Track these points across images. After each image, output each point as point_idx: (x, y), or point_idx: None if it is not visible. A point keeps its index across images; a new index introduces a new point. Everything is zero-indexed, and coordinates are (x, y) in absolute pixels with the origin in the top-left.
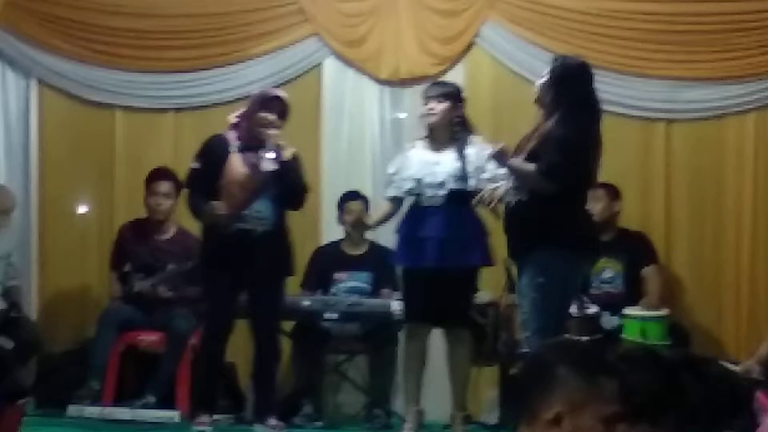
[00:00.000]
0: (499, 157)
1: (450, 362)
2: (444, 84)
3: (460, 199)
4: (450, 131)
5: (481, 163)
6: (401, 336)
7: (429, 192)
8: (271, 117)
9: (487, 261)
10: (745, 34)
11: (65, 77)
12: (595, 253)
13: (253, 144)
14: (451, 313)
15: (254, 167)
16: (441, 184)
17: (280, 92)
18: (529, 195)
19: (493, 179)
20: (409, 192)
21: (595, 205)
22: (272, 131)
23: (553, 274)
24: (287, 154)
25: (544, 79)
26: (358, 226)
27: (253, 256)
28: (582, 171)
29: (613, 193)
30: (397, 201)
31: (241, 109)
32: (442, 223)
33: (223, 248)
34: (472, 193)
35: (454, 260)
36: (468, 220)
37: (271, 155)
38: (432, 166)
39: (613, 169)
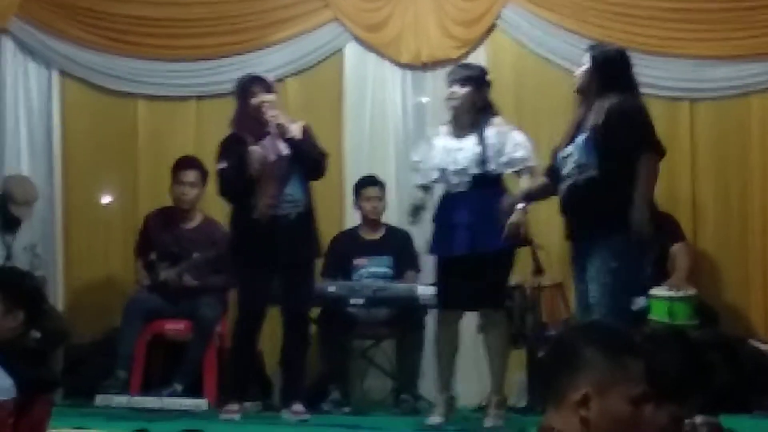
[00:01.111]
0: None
1: (486, 346)
2: (467, 67)
3: (485, 183)
4: (473, 115)
5: (501, 146)
6: (428, 320)
7: (454, 179)
8: (264, 97)
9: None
10: None
11: (87, 67)
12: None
13: (261, 132)
14: (484, 297)
15: (272, 154)
16: (463, 171)
17: (257, 73)
18: (599, 172)
19: (510, 163)
20: (435, 181)
21: None
22: (271, 112)
23: (627, 259)
24: (296, 129)
25: (584, 68)
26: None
27: (288, 240)
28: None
29: None
30: (426, 188)
31: (234, 109)
32: (470, 209)
33: (258, 236)
34: (495, 177)
35: (483, 245)
36: (495, 203)
37: (282, 136)
38: (454, 153)
39: None
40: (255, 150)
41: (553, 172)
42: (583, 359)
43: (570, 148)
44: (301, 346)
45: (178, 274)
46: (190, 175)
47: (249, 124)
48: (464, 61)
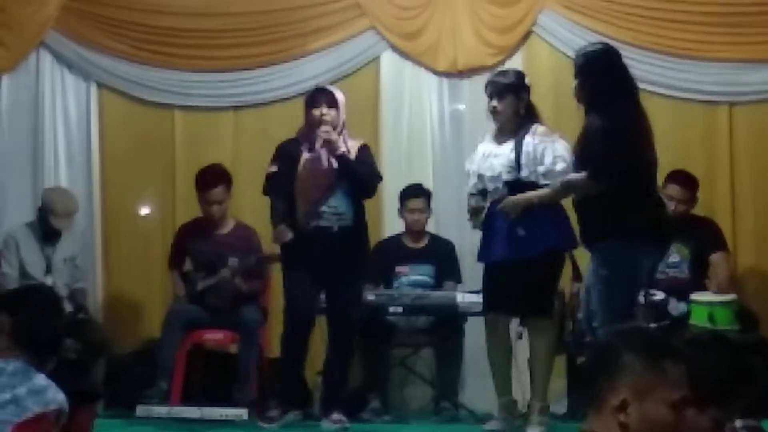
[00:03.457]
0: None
1: (530, 352)
2: (504, 74)
3: (521, 189)
4: (516, 122)
5: (540, 155)
6: (467, 328)
7: (491, 186)
8: (317, 113)
9: (560, 245)
10: None
11: (124, 79)
12: (663, 242)
13: (316, 143)
14: (529, 303)
15: (321, 164)
16: (498, 177)
17: (325, 84)
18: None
19: (547, 175)
20: (475, 187)
21: (678, 205)
22: (323, 128)
23: (615, 265)
24: (353, 147)
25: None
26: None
27: (331, 253)
28: (634, 157)
29: (692, 186)
30: (481, 195)
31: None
32: (507, 216)
33: (302, 246)
34: (530, 184)
35: (520, 252)
36: (533, 208)
37: (330, 152)
38: (491, 160)
39: (676, 154)
40: (306, 157)
41: None
42: (622, 364)
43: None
44: (345, 356)
45: (213, 283)
46: (215, 194)
47: (307, 133)
48: (500, 68)
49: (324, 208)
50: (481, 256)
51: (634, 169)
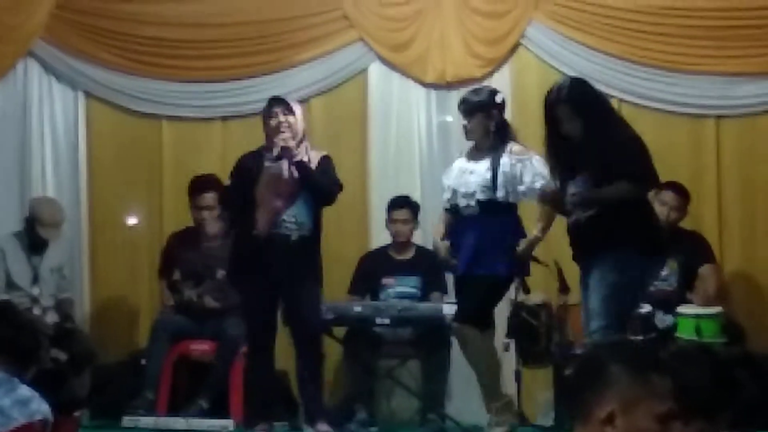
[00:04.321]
0: (544, 197)
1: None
2: (476, 93)
3: (493, 209)
4: (489, 140)
5: (519, 175)
6: (453, 339)
7: (463, 202)
8: (273, 122)
9: (515, 272)
10: None
11: (111, 89)
12: (663, 256)
13: (275, 152)
14: (466, 312)
15: (281, 174)
16: (472, 195)
17: (280, 95)
18: (599, 209)
19: (527, 194)
20: (448, 201)
21: (670, 213)
22: (280, 136)
23: (625, 274)
24: (315, 157)
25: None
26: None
27: (288, 261)
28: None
29: (686, 196)
30: (449, 211)
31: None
32: (475, 233)
33: (256, 253)
34: (504, 204)
35: (480, 269)
36: (500, 230)
37: (288, 159)
38: (466, 176)
39: (664, 167)
40: (268, 168)
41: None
42: (609, 377)
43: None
44: (314, 364)
45: (199, 295)
46: (207, 199)
47: (268, 143)
48: (482, 83)
49: (284, 217)
50: (445, 268)
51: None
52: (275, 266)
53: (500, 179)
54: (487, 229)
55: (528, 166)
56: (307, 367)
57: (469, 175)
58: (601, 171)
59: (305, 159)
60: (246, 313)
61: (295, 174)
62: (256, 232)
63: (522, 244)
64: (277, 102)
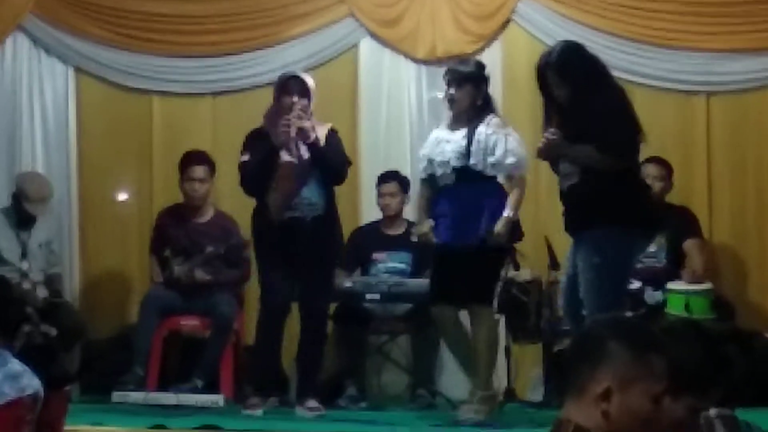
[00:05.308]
0: (543, 153)
1: (473, 341)
2: (465, 63)
3: (469, 178)
4: (472, 112)
5: (492, 147)
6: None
7: (439, 171)
8: (288, 100)
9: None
10: None
11: (102, 64)
12: (652, 230)
13: (286, 132)
14: (471, 293)
15: (294, 155)
16: (446, 163)
17: (298, 72)
18: (579, 178)
19: (497, 167)
20: (424, 171)
21: (655, 184)
22: (293, 116)
23: (608, 253)
24: (321, 132)
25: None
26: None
27: (304, 243)
28: (636, 135)
29: (668, 170)
30: (427, 182)
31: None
32: (453, 202)
33: (275, 236)
34: (478, 172)
35: (467, 238)
36: (479, 197)
37: (303, 140)
38: (443, 145)
39: (654, 144)
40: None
41: None
42: (608, 353)
43: None
44: (317, 343)
45: (190, 270)
46: (199, 171)
47: (277, 121)
48: (471, 57)
49: (296, 200)
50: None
51: (636, 144)
52: (291, 248)
53: (474, 147)
54: (467, 197)
55: (502, 140)
56: (311, 346)
57: (446, 144)
58: (578, 138)
59: (315, 137)
60: (263, 288)
61: (307, 156)
62: (271, 217)
63: (498, 226)
64: (294, 80)
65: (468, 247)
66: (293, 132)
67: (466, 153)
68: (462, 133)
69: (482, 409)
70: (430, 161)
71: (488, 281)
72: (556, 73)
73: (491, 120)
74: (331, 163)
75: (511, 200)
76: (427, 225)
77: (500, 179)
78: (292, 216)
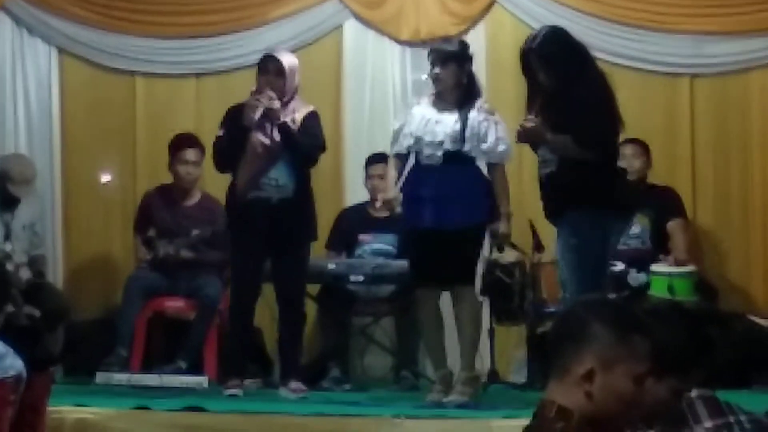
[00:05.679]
0: (521, 137)
1: (457, 323)
2: (449, 42)
3: (458, 160)
4: (457, 92)
5: (483, 133)
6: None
7: (427, 151)
8: (263, 80)
9: (487, 217)
10: None
11: (85, 45)
12: (627, 212)
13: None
14: (455, 274)
15: (262, 135)
16: (440, 144)
17: (275, 52)
18: (557, 166)
19: (488, 154)
20: (409, 149)
21: (633, 163)
22: (263, 97)
23: (585, 233)
24: (301, 114)
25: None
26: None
27: (272, 223)
28: (616, 126)
29: (645, 149)
30: (402, 157)
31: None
32: (440, 183)
33: (242, 215)
34: (467, 156)
35: (452, 220)
36: (467, 179)
37: (272, 120)
38: (432, 125)
39: (638, 126)
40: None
41: None
42: (591, 334)
43: None
44: (295, 324)
45: (176, 250)
46: (192, 154)
47: (249, 100)
48: (456, 38)
49: (263, 180)
50: (407, 220)
51: (613, 138)
52: (257, 228)
53: (468, 132)
54: (454, 179)
55: (493, 127)
56: (288, 326)
57: (435, 125)
58: (558, 125)
59: (291, 119)
60: (233, 268)
61: (277, 137)
62: (238, 192)
63: (501, 226)
64: (270, 59)
65: (452, 229)
66: (259, 113)
67: (461, 138)
68: (453, 116)
69: (466, 391)
70: (418, 139)
71: (470, 262)
72: (538, 60)
73: (482, 105)
74: (300, 145)
75: (502, 193)
76: (393, 193)
77: (481, 164)
78: (258, 196)
